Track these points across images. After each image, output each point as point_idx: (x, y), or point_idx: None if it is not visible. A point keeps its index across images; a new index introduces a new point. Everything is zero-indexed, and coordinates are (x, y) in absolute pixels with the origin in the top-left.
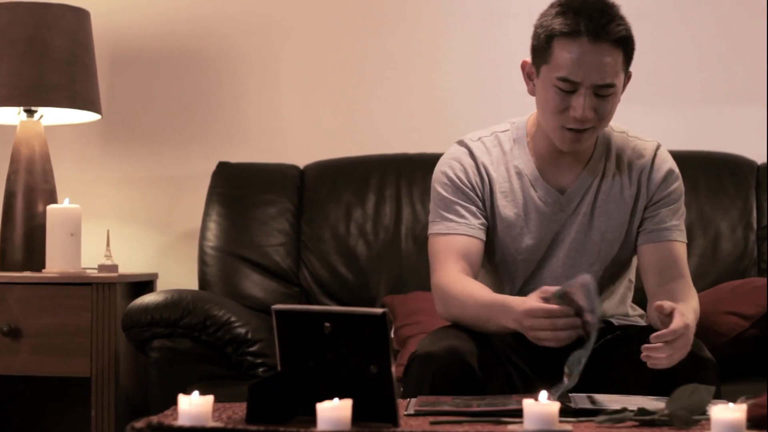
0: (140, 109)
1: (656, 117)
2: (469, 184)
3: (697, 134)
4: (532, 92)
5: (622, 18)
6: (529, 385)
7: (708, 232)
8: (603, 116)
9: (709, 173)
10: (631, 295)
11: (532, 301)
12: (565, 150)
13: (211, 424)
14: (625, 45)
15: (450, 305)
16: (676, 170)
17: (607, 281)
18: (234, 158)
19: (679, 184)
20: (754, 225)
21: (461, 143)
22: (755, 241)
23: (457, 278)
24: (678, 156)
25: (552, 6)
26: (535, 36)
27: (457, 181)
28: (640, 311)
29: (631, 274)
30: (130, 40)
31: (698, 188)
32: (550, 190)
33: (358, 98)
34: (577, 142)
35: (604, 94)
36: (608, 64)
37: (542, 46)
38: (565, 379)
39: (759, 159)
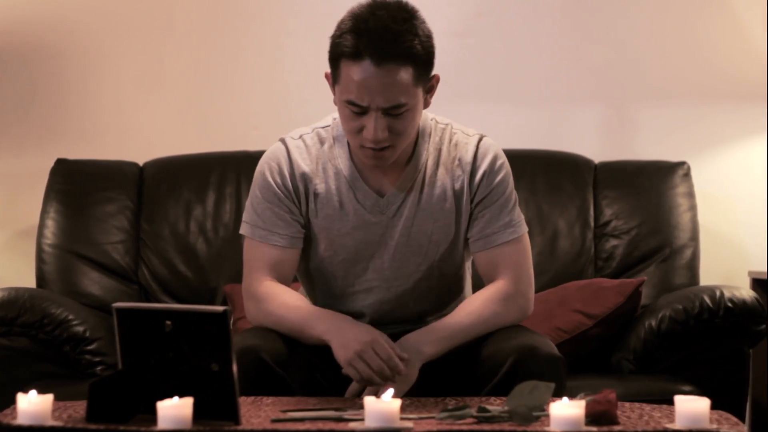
0: None
1: (495, 116)
2: (284, 189)
3: (536, 133)
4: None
5: (410, 30)
6: (334, 382)
7: (546, 230)
8: (399, 133)
9: (547, 172)
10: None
11: (378, 334)
12: (370, 166)
13: (50, 422)
14: (415, 60)
15: (264, 317)
16: (500, 159)
17: (437, 280)
18: (73, 155)
19: (504, 174)
20: (592, 223)
21: (282, 141)
22: (592, 239)
23: (272, 290)
24: (517, 155)
25: (344, 19)
26: (329, 51)
27: (273, 185)
28: None
29: (468, 272)
30: None
31: (537, 186)
32: (369, 193)
33: (198, 95)
34: (379, 159)
35: (396, 114)
36: (396, 84)
37: (333, 65)
38: None
39: (596, 158)
